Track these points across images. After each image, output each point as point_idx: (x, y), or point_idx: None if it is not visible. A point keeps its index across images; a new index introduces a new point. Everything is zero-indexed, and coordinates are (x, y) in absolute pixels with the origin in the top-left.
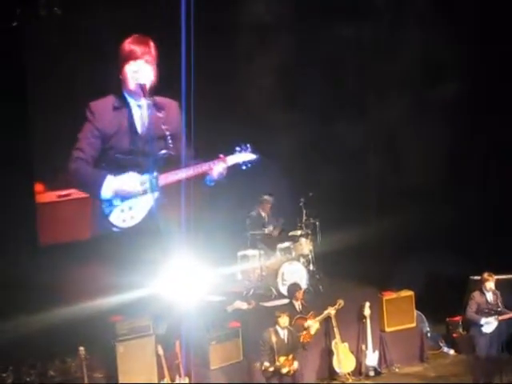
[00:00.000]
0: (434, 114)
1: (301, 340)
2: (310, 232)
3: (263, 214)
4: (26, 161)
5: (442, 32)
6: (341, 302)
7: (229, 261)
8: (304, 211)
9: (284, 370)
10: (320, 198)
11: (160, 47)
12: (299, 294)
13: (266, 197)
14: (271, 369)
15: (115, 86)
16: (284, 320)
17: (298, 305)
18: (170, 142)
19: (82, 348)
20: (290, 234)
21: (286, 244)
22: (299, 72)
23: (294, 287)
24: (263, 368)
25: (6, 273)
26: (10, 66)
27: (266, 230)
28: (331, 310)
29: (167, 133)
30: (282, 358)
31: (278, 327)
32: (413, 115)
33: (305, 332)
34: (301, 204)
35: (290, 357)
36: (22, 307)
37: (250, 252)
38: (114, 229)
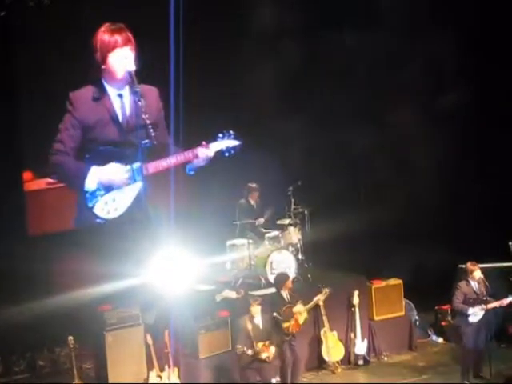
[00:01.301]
0: (432, 117)
1: (289, 330)
2: (298, 221)
3: (252, 203)
4: (14, 150)
5: (448, 41)
6: (326, 291)
7: (217, 250)
8: (292, 200)
9: (263, 355)
10: (309, 187)
11: (143, 35)
12: (287, 284)
13: (252, 185)
14: (249, 352)
15: (97, 76)
16: (256, 309)
17: (285, 294)
18: (151, 130)
19: (70, 338)
20: (278, 222)
21: (275, 233)
22: (290, 65)
23: (281, 277)
24: (242, 351)
25: None
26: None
27: (257, 222)
28: (320, 297)
29: (148, 121)
30: (260, 344)
31: (252, 314)
32: (413, 119)
33: (293, 322)
34: (289, 193)
35: (267, 343)
36: (11, 297)
37: (239, 241)
38: (98, 220)
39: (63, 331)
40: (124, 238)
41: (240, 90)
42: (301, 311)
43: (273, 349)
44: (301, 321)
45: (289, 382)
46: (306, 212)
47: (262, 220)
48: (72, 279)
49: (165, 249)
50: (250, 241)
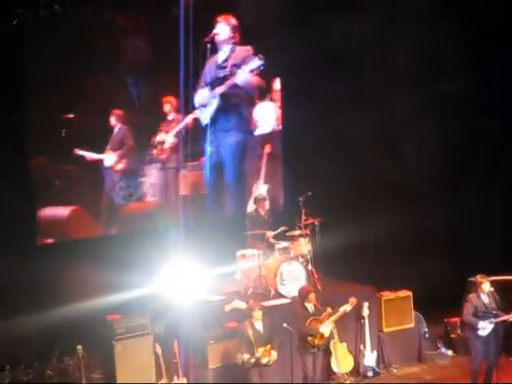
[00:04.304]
0: (437, 111)
1: (315, 343)
2: (308, 232)
3: (262, 213)
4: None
5: (445, 29)
6: (354, 301)
7: (227, 260)
8: (303, 211)
9: (264, 361)
10: (319, 198)
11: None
12: (311, 297)
13: (260, 196)
14: (252, 360)
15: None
16: (258, 314)
17: (310, 307)
18: None
19: (79, 347)
20: (288, 233)
21: (285, 244)
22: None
23: (304, 290)
24: (244, 360)
25: (3, 272)
26: (8, 52)
27: (267, 234)
28: (347, 308)
29: None
30: (261, 349)
31: (253, 320)
32: (416, 113)
33: (319, 335)
34: (299, 203)
35: (268, 347)
36: (19, 307)
37: (249, 251)
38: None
39: (72, 340)
40: (134, 247)
41: None
42: (326, 325)
43: (274, 353)
44: (326, 333)
45: None
46: (316, 223)
47: (271, 233)
48: (81, 289)
49: (174, 259)
50: (260, 251)
